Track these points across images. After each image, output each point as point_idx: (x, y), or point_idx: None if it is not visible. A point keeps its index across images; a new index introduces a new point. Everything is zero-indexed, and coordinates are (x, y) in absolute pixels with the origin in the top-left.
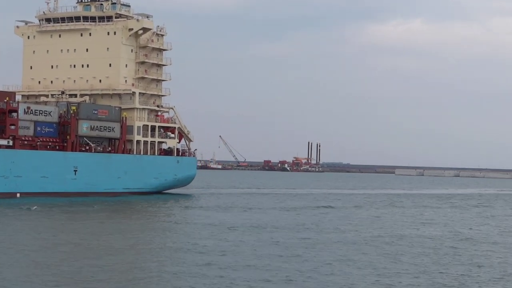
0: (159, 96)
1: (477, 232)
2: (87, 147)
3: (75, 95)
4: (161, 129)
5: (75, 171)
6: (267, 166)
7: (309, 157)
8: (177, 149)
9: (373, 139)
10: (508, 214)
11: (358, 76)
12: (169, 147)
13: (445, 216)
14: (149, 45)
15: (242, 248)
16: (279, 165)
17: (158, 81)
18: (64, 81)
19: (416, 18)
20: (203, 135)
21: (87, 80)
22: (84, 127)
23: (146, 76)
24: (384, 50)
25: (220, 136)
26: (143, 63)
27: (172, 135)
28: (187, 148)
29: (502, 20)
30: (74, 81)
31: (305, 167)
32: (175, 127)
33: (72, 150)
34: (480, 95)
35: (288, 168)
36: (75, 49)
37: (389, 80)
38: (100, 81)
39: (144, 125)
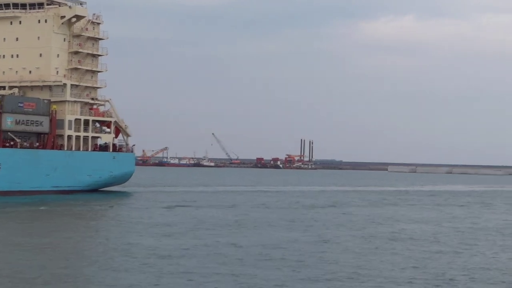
0: (94, 88)
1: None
2: (12, 143)
3: (4, 87)
4: (96, 124)
5: None
6: (260, 163)
7: (302, 154)
8: (113, 144)
9: (366, 136)
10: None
11: (349, 73)
12: (104, 143)
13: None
14: (83, 34)
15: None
16: (271, 162)
17: (94, 72)
18: None
19: (407, 14)
20: (195, 133)
21: (16, 71)
22: (8, 121)
23: (79, 67)
24: (375, 47)
25: (212, 133)
26: (76, 53)
27: (108, 130)
28: (124, 144)
29: (493, 17)
30: (3, 72)
31: (297, 164)
32: (111, 121)
33: None
34: (472, 92)
35: (280, 166)
36: (4, 38)
37: (380, 77)
38: (30, 72)
39: (76, 119)
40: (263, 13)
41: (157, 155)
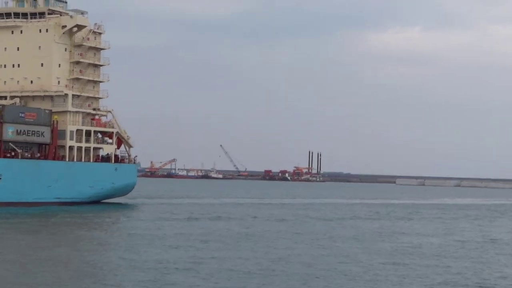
0: (96, 98)
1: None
2: (13, 153)
3: (5, 97)
4: (98, 134)
5: None
6: (268, 175)
7: (310, 166)
8: (115, 155)
9: (374, 149)
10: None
11: (357, 84)
12: (106, 154)
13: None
14: (84, 43)
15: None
16: (279, 174)
17: (95, 82)
18: None
19: (415, 26)
20: (203, 144)
21: (18, 81)
22: (9, 132)
23: (81, 77)
24: (383, 58)
25: (221, 145)
26: (78, 63)
27: (110, 141)
28: (127, 155)
29: (500, 27)
30: (5, 82)
31: (305, 176)
32: (113, 132)
33: None
34: (482, 103)
35: (288, 178)
36: (5, 48)
37: (388, 88)
38: (31, 82)
39: (78, 129)
40: (272, 23)
41: (165, 167)
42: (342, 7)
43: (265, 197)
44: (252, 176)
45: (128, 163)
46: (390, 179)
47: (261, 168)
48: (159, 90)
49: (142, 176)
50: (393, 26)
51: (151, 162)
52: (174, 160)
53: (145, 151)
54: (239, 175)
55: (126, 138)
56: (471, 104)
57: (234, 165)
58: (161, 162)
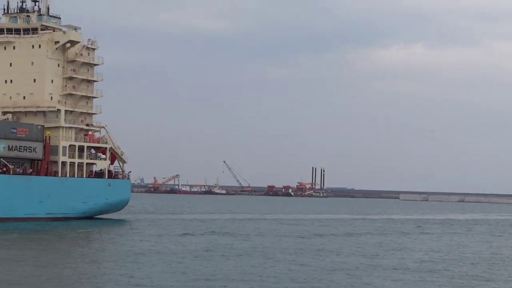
0: (90, 114)
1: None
2: (5, 169)
3: None
4: (92, 150)
5: None
6: (271, 191)
7: (313, 182)
8: (109, 171)
9: (377, 164)
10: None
11: (360, 100)
12: (100, 169)
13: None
14: (78, 59)
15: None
16: (283, 190)
17: (89, 98)
18: None
19: (418, 42)
20: (207, 160)
21: (10, 97)
22: (1, 147)
23: (74, 92)
24: (386, 75)
25: (224, 161)
26: (71, 78)
27: (103, 156)
28: (120, 170)
29: (504, 44)
30: None
31: (309, 192)
32: (106, 148)
33: None
34: (484, 118)
35: (292, 193)
36: None
37: (391, 105)
38: (24, 97)
39: (70, 145)
40: (273, 41)
41: (169, 183)
42: (344, 24)
43: (267, 213)
44: (255, 191)
45: (122, 178)
46: (393, 195)
47: (264, 184)
48: (162, 107)
49: (146, 191)
50: (396, 42)
51: (154, 178)
52: (177, 175)
53: (148, 167)
54: (242, 191)
55: (119, 153)
56: (474, 120)
57: (237, 181)
58: (164, 178)
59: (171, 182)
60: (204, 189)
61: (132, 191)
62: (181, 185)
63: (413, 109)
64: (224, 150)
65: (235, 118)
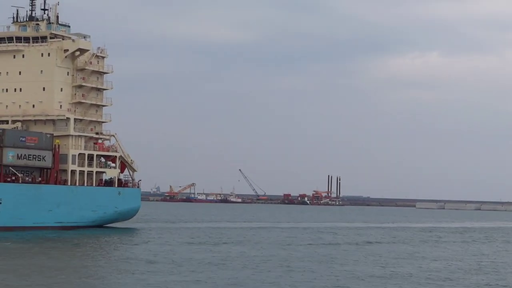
0: (99, 122)
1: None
2: (14, 178)
3: (7, 122)
4: (101, 158)
5: None
6: (287, 199)
7: (329, 190)
8: (119, 179)
9: (393, 172)
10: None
11: (375, 108)
12: (109, 178)
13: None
14: (87, 67)
15: None
16: (298, 198)
17: (98, 106)
18: None
19: (433, 51)
20: (222, 169)
21: (19, 106)
22: (9, 156)
23: (83, 101)
24: (401, 83)
25: (239, 169)
26: (80, 86)
27: (113, 165)
28: (130, 179)
29: None
30: (6, 106)
31: (325, 200)
32: (116, 156)
33: None
34: (500, 126)
35: (308, 202)
36: (7, 72)
37: (407, 113)
38: (33, 106)
39: (80, 153)
40: (288, 49)
41: (184, 191)
42: (360, 32)
43: (281, 221)
44: (271, 200)
45: (132, 187)
46: (409, 203)
47: (280, 192)
48: (179, 116)
49: (162, 200)
50: (411, 51)
51: (170, 187)
52: (193, 184)
53: (164, 176)
54: (258, 199)
55: (129, 162)
56: (490, 128)
57: (253, 189)
58: (180, 187)
59: (187, 190)
60: (220, 198)
61: (148, 200)
62: (197, 193)
63: (429, 117)
64: (240, 158)
65: (250, 126)
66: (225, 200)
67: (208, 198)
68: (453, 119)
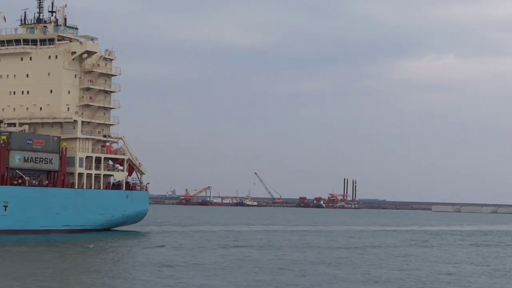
0: (107, 125)
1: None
2: (20, 181)
3: (14, 124)
4: (109, 161)
5: (5, 206)
6: (303, 202)
7: (345, 193)
8: (126, 182)
9: (409, 176)
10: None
11: (392, 111)
12: (117, 181)
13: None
14: (95, 70)
15: None
16: (314, 201)
17: (106, 109)
18: (3, 109)
19: (450, 53)
20: (238, 172)
21: (27, 108)
22: (16, 159)
23: (91, 103)
24: (417, 85)
25: (255, 173)
26: (88, 89)
27: (121, 168)
28: (138, 182)
29: None
30: (14, 109)
31: (341, 203)
32: (124, 159)
33: (2, 184)
34: None
35: (323, 205)
36: (15, 75)
37: (423, 116)
38: (40, 109)
39: (87, 156)
40: (303, 52)
41: (200, 194)
42: (376, 35)
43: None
44: (286, 203)
45: (140, 190)
46: (425, 206)
47: (295, 195)
48: (194, 119)
49: (178, 203)
50: (428, 53)
51: (186, 190)
52: (209, 187)
53: (180, 179)
54: (273, 202)
55: (137, 165)
56: (507, 130)
57: (269, 192)
58: (195, 190)
59: (203, 194)
60: (235, 201)
61: (164, 203)
62: (213, 196)
63: (445, 119)
64: (256, 161)
65: (266, 129)
66: (240, 203)
67: (224, 201)
68: (470, 121)
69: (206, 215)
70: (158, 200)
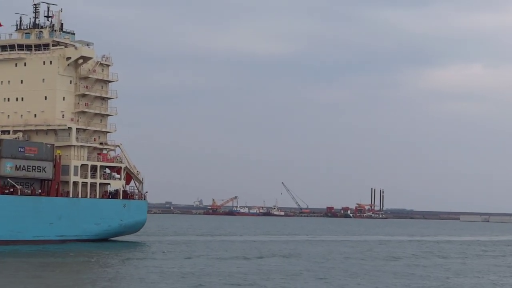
0: (104, 132)
1: None
2: (12, 189)
3: (8, 132)
4: (106, 169)
5: None
6: (330, 212)
7: (373, 203)
8: (124, 191)
9: (437, 185)
10: None
11: (419, 120)
12: (114, 189)
13: None
14: (90, 76)
15: None
16: (341, 211)
17: (103, 115)
18: None
19: (477, 62)
20: (265, 182)
21: (21, 115)
22: (7, 167)
23: (87, 110)
24: (443, 94)
25: (282, 182)
26: (84, 95)
27: (118, 176)
28: (136, 191)
29: None
30: (8, 116)
31: (368, 213)
32: (121, 167)
33: None
34: None
35: (351, 215)
36: (9, 81)
37: (451, 125)
38: (35, 115)
39: (82, 164)
40: (328, 61)
41: (227, 204)
42: (404, 44)
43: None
44: (314, 213)
45: (138, 199)
46: (453, 216)
47: (323, 205)
48: (221, 129)
49: (204, 213)
50: (455, 63)
51: (213, 200)
52: (235, 197)
53: (206, 189)
54: (301, 212)
55: (135, 173)
56: None
57: (296, 202)
58: (222, 200)
59: (230, 204)
60: (262, 211)
61: (191, 213)
62: (240, 206)
63: (474, 128)
64: (283, 171)
65: (293, 139)
66: (267, 213)
67: (251, 211)
68: (497, 131)
69: (235, 224)
70: (185, 210)
